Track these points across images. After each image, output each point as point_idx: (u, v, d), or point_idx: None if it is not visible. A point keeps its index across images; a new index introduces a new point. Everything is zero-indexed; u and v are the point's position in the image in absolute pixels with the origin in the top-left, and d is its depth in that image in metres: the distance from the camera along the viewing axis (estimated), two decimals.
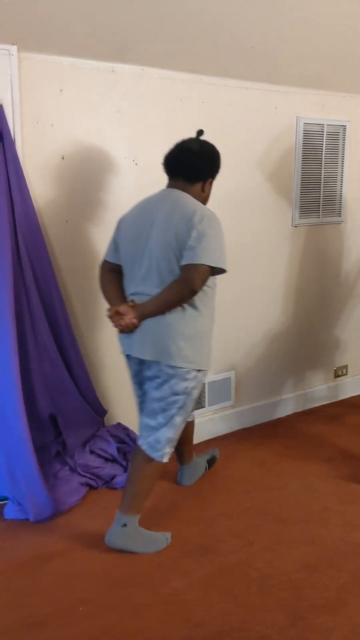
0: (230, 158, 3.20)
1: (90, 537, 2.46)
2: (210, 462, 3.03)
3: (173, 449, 2.39)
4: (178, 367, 2.26)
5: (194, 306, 2.27)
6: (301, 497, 2.78)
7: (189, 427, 2.75)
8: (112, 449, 2.87)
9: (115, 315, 2.30)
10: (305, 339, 3.78)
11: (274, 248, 3.51)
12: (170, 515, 2.64)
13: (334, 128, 3.56)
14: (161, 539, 2.42)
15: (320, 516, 2.62)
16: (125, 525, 2.34)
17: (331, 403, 3.99)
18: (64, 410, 2.79)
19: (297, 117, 3.39)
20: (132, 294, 2.33)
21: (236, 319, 3.43)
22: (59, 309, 2.71)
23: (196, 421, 3.36)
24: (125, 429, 3.03)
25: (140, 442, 2.37)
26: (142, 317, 2.26)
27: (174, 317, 2.25)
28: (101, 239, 2.86)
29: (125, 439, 2.96)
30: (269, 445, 3.34)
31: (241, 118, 3.19)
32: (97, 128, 2.75)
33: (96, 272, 2.88)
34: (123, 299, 2.36)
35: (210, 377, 3.38)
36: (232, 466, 3.11)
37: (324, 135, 3.52)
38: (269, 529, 2.53)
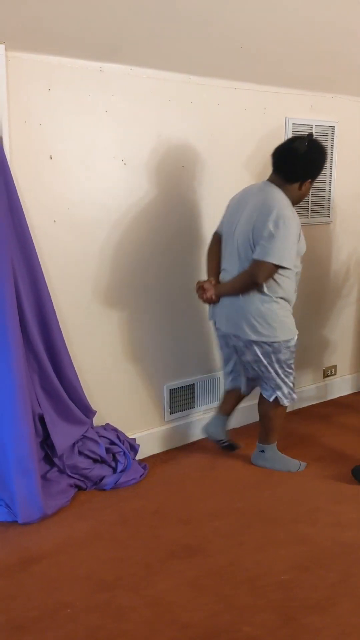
0: (219, 158, 3.21)
1: (77, 539, 2.45)
2: (231, 446, 3.21)
3: (292, 392, 2.91)
4: (252, 340, 2.74)
5: (262, 292, 2.69)
6: (291, 497, 2.78)
7: (236, 395, 3.14)
8: (101, 450, 2.85)
9: (200, 289, 2.87)
10: None
11: None
12: (157, 516, 2.63)
13: (322, 129, 3.57)
14: (296, 464, 3.03)
15: (309, 516, 2.62)
16: (263, 451, 3.03)
17: (320, 403, 4.00)
18: (52, 411, 2.77)
19: (285, 117, 3.40)
20: (222, 268, 2.85)
21: None
22: (49, 307, 2.69)
23: (186, 421, 3.37)
24: (114, 429, 3.02)
25: (262, 392, 2.97)
26: (220, 295, 2.80)
27: (245, 300, 2.72)
28: (89, 239, 2.85)
29: (114, 440, 2.94)
30: None
31: (230, 118, 3.19)
32: (86, 128, 2.74)
33: (84, 271, 2.88)
34: (217, 273, 2.87)
35: (199, 378, 3.38)
36: (220, 466, 3.10)
37: (313, 136, 3.52)
38: (258, 529, 2.52)
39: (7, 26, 2.35)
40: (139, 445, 3.07)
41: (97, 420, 2.99)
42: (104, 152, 2.82)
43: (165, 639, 1.92)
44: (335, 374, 4.10)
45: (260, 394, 2.99)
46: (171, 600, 2.10)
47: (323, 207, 3.71)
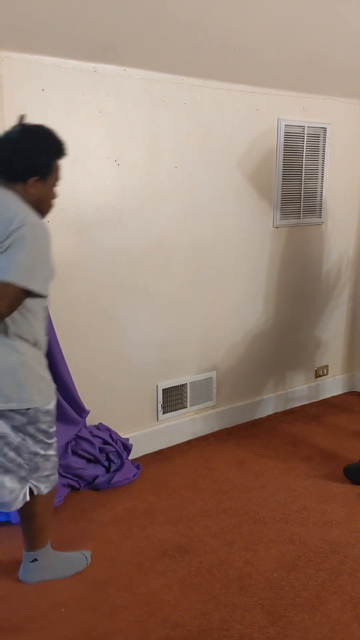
0: (212, 159, 3.22)
1: (70, 538, 2.46)
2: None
3: (50, 481, 2.11)
4: None
5: (7, 335, 1.91)
6: (280, 497, 2.81)
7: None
8: (94, 449, 2.86)
9: None
10: (286, 339, 3.81)
11: (255, 249, 3.53)
12: (149, 516, 2.65)
13: (314, 130, 3.59)
14: (81, 559, 2.29)
15: (299, 515, 2.65)
16: (36, 560, 2.19)
17: (312, 403, 4.03)
18: None
19: (278, 119, 3.41)
20: None
21: (217, 320, 3.45)
22: None
23: (178, 421, 3.38)
24: (108, 429, 3.03)
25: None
26: None
27: None
28: (82, 239, 2.86)
29: (107, 439, 2.95)
30: (249, 445, 3.37)
31: (223, 119, 3.20)
32: (79, 128, 2.74)
33: (77, 271, 2.88)
34: None
35: (192, 378, 3.39)
36: (211, 466, 3.12)
37: (305, 138, 3.55)
38: (248, 529, 2.55)
39: (1, 27, 2.34)
40: (132, 444, 3.09)
41: (90, 420, 3.00)
42: (98, 153, 2.82)
43: (157, 637, 1.94)
44: (327, 374, 4.13)
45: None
46: (163, 599, 2.12)
47: (315, 208, 3.73)
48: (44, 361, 2.05)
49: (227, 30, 2.75)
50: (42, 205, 1.99)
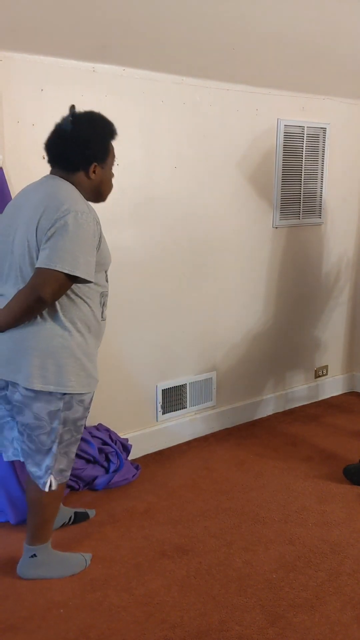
0: (211, 159, 3.22)
1: (68, 539, 2.46)
2: (80, 516, 2.60)
3: (62, 476, 2.13)
4: (35, 390, 1.97)
5: (53, 319, 1.95)
6: (280, 497, 2.80)
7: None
8: (93, 450, 2.86)
9: None
10: (286, 340, 3.81)
11: (254, 249, 3.52)
12: (148, 516, 2.64)
13: (314, 130, 3.58)
14: (80, 560, 2.28)
15: (298, 516, 2.64)
16: (34, 555, 2.20)
17: (311, 403, 4.03)
18: None
19: (277, 119, 3.41)
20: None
21: (217, 320, 3.44)
22: None
23: (177, 422, 3.38)
24: (107, 430, 3.02)
25: (29, 471, 2.14)
26: None
27: (26, 331, 1.95)
28: None
29: (106, 440, 2.95)
30: (249, 445, 3.36)
31: (222, 119, 3.20)
32: None
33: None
34: None
35: (191, 378, 3.39)
36: (211, 466, 3.12)
37: (304, 138, 3.54)
38: (248, 529, 2.54)
39: (0, 26, 2.34)
40: (131, 445, 3.08)
41: (89, 421, 3.00)
42: None
43: (156, 638, 1.94)
44: (326, 374, 4.13)
45: (28, 475, 2.18)
46: (161, 599, 2.11)
47: (315, 208, 3.73)
48: (92, 349, 2.07)
49: (226, 30, 2.74)
50: (103, 187, 2.10)
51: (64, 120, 2.01)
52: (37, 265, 1.89)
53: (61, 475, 2.12)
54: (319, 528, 2.55)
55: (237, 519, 2.62)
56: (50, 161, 2.07)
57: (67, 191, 1.97)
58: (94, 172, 2.04)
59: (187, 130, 3.09)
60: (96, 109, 2.77)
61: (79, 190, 2.02)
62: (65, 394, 2.00)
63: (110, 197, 2.90)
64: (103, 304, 2.12)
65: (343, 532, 2.51)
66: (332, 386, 4.17)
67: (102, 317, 2.12)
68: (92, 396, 2.15)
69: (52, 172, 2.08)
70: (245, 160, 3.35)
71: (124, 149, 2.89)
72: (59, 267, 1.86)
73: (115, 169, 2.88)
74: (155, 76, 2.91)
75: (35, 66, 2.56)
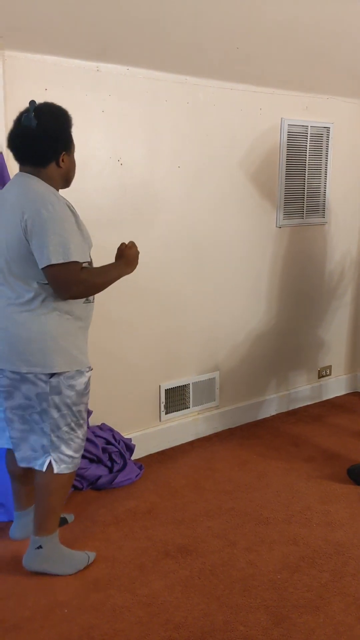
0: (215, 159, 3.22)
1: (71, 538, 2.45)
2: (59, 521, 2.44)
3: (68, 462, 2.15)
4: (22, 373, 2.06)
5: (27, 304, 2.04)
6: (283, 497, 2.79)
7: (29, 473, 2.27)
8: (97, 449, 2.86)
9: None
10: (289, 340, 3.80)
11: (258, 249, 3.52)
12: (151, 516, 2.64)
13: (317, 130, 3.58)
14: (83, 557, 2.28)
15: (301, 516, 2.64)
16: (40, 547, 2.20)
17: (314, 403, 4.02)
18: None
19: (281, 118, 3.41)
20: None
21: (220, 320, 3.44)
22: None
23: (180, 422, 3.37)
24: (110, 429, 3.02)
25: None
26: None
27: (8, 319, 2.06)
28: None
29: (110, 439, 2.95)
30: (252, 445, 3.36)
31: (226, 119, 3.20)
32: (82, 127, 2.72)
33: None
34: None
35: (194, 378, 3.38)
36: (214, 467, 3.11)
37: (308, 137, 3.54)
38: (251, 529, 2.54)
39: (3, 25, 2.34)
40: (134, 445, 3.08)
41: (92, 420, 3.00)
42: (100, 152, 2.82)
43: (160, 638, 1.93)
44: (330, 374, 4.12)
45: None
46: (165, 600, 2.11)
47: (318, 208, 3.72)
48: (76, 332, 2.12)
49: (230, 29, 2.74)
50: (71, 174, 2.18)
51: (26, 117, 2.01)
52: (52, 263, 1.95)
53: (71, 461, 2.15)
54: (323, 528, 2.54)
55: (240, 519, 2.62)
56: (18, 159, 2.09)
57: (36, 188, 2.02)
58: (63, 160, 2.10)
59: (191, 130, 3.09)
60: (100, 108, 2.78)
61: (51, 181, 2.07)
62: (51, 376, 2.05)
63: (113, 196, 2.91)
64: None
65: (347, 533, 2.51)
66: (336, 386, 4.16)
67: (86, 299, 2.15)
68: (88, 382, 2.16)
69: (21, 170, 2.10)
70: (249, 160, 3.34)
71: (127, 147, 2.90)
72: (54, 260, 1.93)
73: (118, 168, 2.90)
74: (159, 75, 2.90)
75: (39, 65, 2.56)
